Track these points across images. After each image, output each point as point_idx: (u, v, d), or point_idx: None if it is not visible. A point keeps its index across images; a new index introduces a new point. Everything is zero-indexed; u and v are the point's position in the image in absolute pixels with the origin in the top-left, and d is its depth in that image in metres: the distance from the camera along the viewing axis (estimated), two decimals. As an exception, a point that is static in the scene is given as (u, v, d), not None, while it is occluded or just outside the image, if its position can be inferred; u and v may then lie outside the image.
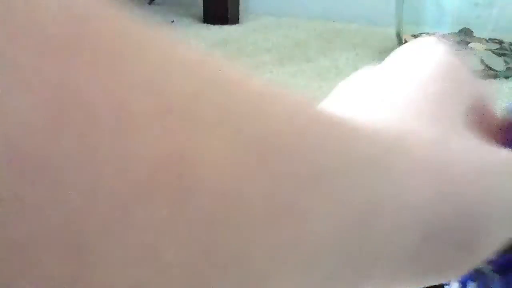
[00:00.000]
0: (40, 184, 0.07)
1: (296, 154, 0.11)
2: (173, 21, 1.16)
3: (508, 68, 0.82)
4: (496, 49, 0.84)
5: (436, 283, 0.17)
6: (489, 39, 0.87)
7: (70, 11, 0.08)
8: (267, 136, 0.11)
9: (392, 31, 0.96)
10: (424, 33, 0.91)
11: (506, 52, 0.84)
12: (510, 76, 0.82)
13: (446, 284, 0.24)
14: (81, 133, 0.08)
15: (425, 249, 0.15)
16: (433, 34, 0.90)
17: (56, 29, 0.08)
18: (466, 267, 0.17)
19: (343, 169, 0.13)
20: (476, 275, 0.23)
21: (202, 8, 1.19)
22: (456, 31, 0.88)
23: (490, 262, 0.21)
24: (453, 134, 0.17)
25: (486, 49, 0.84)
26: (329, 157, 0.12)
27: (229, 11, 1.16)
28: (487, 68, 0.81)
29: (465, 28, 0.88)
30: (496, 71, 0.81)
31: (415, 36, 0.91)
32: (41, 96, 0.08)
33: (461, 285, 0.24)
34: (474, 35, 0.87)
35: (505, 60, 0.82)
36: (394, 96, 0.17)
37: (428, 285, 0.17)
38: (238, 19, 1.19)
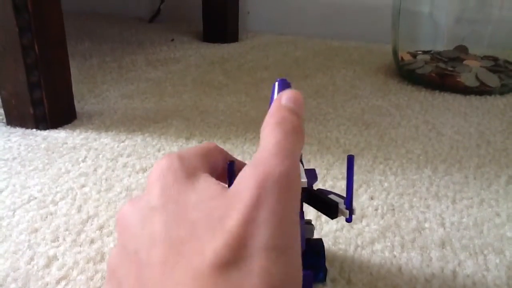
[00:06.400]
0: None
1: None
2: (173, 39, 1.18)
3: (503, 85, 0.83)
4: (491, 66, 0.85)
5: None
6: (484, 56, 0.88)
7: None
8: None
9: (388, 48, 0.97)
10: (420, 50, 0.93)
11: (501, 69, 0.85)
12: (505, 93, 0.83)
13: None
14: None
15: None
16: (429, 51, 0.91)
17: None
18: None
19: None
20: None
21: (202, 26, 1.20)
22: (451, 48, 0.89)
23: None
24: None
25: (481, 66, 0.85)
26: None
27: (228, 30, 1.18)
28: (482, 84, 0.82)
29: (460, 45, 0.89)
30: (491, 87, 0.82)
31: (411, 53, 0.93)
32: None
33: None
34: (469, 52, 0.89)
35: (500, 77, 0.83)
36: None
37: None
38: (237, 37, 1.20)
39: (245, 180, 0.23)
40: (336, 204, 0.31)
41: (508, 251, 0.40)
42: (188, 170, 0.26)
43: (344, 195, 0.31)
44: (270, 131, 0.25)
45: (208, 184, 0.25)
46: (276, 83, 0.31)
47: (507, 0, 0.85)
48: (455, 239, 0.42)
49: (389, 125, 0.68)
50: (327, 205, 0.31)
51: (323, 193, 0.32)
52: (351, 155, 0.30)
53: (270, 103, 0.31)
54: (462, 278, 0.37)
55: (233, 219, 0.22)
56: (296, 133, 0.26)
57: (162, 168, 0.26)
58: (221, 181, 0.31)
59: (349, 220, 0.31)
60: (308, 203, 0.32)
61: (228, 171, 0.29)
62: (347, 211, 0.31)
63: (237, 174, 0.29)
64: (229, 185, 0.29)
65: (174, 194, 0.24)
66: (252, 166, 0.24)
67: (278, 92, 0.31)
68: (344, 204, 0.31)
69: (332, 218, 0.32)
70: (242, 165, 0.33)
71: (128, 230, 0.25)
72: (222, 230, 0.22)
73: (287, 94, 0.28)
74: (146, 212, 0.24)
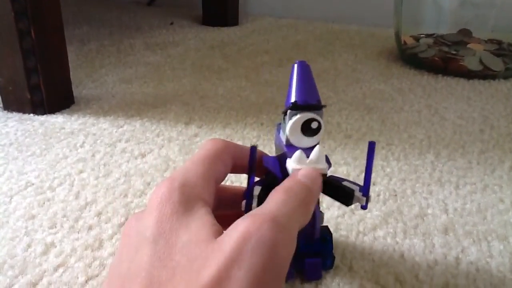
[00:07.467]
0: None
1: None
2: (172, 23, 1.16)
3: (507, 69, 0.82)
4: (495, 49, 0.84)
5: None
6: (488, 39, 0.87)
7: None
8: None
9: (391, 32, 0.96)
10: (423, 33, 0.91)
11: (505, 52, 0.83)
12: (509, 77, 0.82)
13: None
14: None
15: None
16: (432, 34, 0.90)
17: None
18: None
19: None
20: None
21: (201, 10, 1.19)
22: (455, 32, 0.88)
23: None
24: None
25: (485, 50, 0.83)
26: None
27: (228, 13, 1.16)
28: (486, 68, 0.81)
29: (464, 28, 0.88)
30: (495, 71, 0.81)
31: (414, 37, 0.91)
32: None
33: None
34: (473, 35, 0.87)
35: (504, 61, 0.82)
36: None
37: None
38: (237, 20, 1.19)
39: (232, 232, 0.23)
40: (352, 191, 0.30)
41: (512, 237, 0.39)
42: (188, 203, 0.25)
43: (354, 181, 0.31)
44: (276, 195, 0.26)
45: (202, 224, 0.24)
46: (296, 65, 0.31)
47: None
48: (458, 225, 0.41)
49: (391, 109, 0.67)
50: (343, 192, 0.31)
51: (336, 180, 0.32)
52: (372, 141, 0.29)
53: (290, 84, 0.30)
54: (466, 264, 0.36)
55: (208, 272, 0.21)
56: (300, 207, 0.26)
57: (162, 196, 0.26)
58: (242, 171, 0.31)
59: (364, 207, 0.31)
60: (321, 191, 0.31)
61: (250, 156, 0.28)
62: (364, 198, 0.30)
63: (257, 160, 0.29)
64: (249, 171, 0.29)
65: (167, 229, 0.24)
66: (244, 219, 0.23)
67: (298, 73, 0.30)
68: (360, 191, 0.30)
69: (347, 205, 0.31)
70: (262, 152, 0.32)
71: (127, 249, 0.25)
72: (196, 281, 0.21)
73: (305, 171, 0.28)
74: (141, 238, 0.24)
